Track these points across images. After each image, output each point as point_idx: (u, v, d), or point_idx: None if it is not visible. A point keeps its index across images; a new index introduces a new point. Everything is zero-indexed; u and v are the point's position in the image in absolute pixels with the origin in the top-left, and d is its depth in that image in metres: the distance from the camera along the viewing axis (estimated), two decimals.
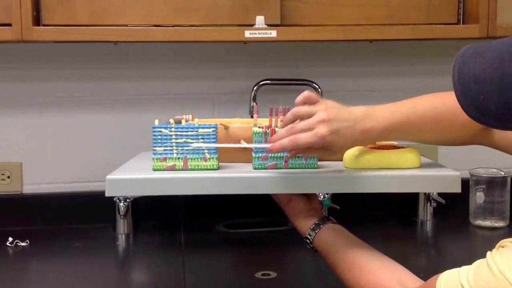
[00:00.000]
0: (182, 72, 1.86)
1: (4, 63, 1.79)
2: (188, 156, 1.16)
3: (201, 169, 1.16)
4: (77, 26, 1.61)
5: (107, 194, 1.12)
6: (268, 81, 1.84)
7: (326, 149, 1.09)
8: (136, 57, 1.84)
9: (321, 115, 1.07)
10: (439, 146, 1.71)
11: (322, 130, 1.06)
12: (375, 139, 1.16)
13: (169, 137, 1.16)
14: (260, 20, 1.64)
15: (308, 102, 1.11)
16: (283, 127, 1.11)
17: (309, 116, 1.08)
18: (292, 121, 1.10)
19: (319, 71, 1.90)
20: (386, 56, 1.93)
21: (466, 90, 0.86)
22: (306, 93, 1.11)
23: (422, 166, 1.18)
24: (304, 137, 1.07)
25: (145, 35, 1.62)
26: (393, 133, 1.12)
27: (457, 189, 1.14)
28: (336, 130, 1.07)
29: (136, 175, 1.14)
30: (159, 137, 1.16)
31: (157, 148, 1.16)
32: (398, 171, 1.14)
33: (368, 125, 1.10)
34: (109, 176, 1.12)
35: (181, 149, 1.16)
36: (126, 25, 1.64)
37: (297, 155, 1.14)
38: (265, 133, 1.17)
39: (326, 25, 1.71)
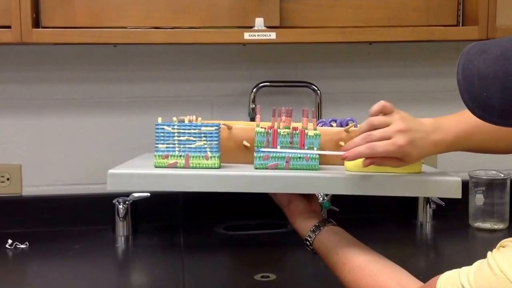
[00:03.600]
0: (181, 74, 1.86)
1: (4, 65, 1.79)
2: (190, 154, 1.17)
3: (202, 168, 1.16)
4: (77, 28, 1.61)
5: (108, 188, 1.12)
6: (268, 83, 1.84)
7: (400, 159, 1.09)
8: (136, 59, 1.84)
9: (399, 124, 1.08)
10: None
11: (400, 139, 1.06)
12: (445, 151, 1.15)
13: (171, 135, 1.17)
14: (259, 22, 1.65)
15: (383, 111, 1.10)
16: (357, 135, 1.10)
17: (385, 126, 1.08)
18: (367, 130, 1.09)
19: (318, 73, 1.90)
20: (386, 58, 1.93)
21: (470, 86, 0.86)
22: (382, 103, 1.11)
23: (423, 171, 1.18)
24: (382, 145, 1.06)
25: (145, 37, 1.62)
26: (461, 143, 1.12)
27: (458, 194, 1.14)
28: (412, 141, 1.07)
29: (138, 170, 1.15)
30: (161, 134, 1.17)
31: (160, 145, 1.17)
32: (399, 175, 1.14)
33: (438, 137, 1.10)
34: (111, 171, 1.13)
35: (183, 147, 1.17)
36: (126, 27, 1.64)
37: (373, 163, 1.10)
38: (267, 133, 1.17)
39: (326, 27, 1.71)
